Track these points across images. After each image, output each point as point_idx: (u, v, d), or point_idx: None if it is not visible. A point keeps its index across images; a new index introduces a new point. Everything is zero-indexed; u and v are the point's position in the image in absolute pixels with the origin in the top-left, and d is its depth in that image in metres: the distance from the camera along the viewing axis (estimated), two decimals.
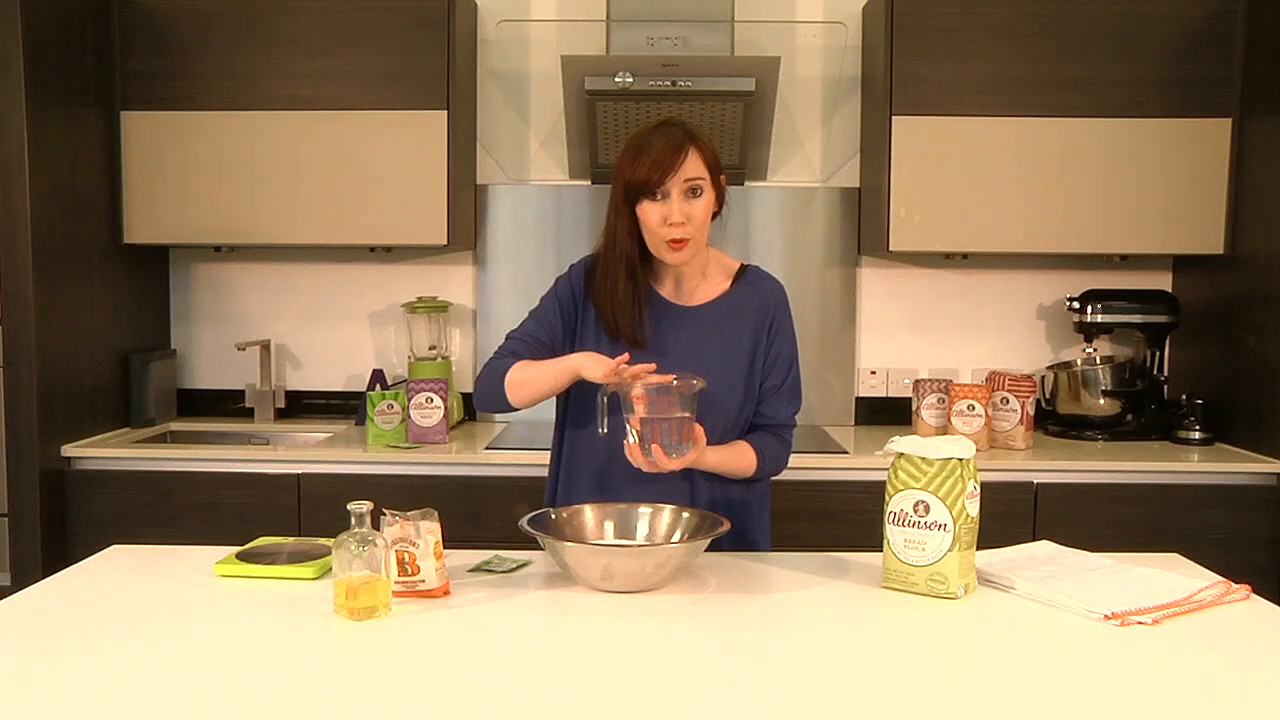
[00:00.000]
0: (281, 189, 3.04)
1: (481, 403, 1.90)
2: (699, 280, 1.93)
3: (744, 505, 1.93)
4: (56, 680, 1.25)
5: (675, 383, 1.68)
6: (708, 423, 1.80)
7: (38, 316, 2.75)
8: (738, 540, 1.90)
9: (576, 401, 1.91)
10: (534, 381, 1.83)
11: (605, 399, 1.74)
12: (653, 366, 1.71)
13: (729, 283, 1.94)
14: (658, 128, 1.83)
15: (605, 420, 1.76)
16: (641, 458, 1.71)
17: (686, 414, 1.70)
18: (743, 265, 1.98)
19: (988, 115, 2.97)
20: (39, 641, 1.39)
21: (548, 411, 1.99)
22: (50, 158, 2.80)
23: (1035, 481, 2.78)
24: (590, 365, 1.76)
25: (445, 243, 3.04)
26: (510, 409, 1.87)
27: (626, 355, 1.74)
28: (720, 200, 1.87)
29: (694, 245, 1.83)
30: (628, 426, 1.72)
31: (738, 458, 1.88)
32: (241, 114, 3.02)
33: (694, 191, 1.80)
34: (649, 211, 1.81)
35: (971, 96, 2.96)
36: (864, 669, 1.32)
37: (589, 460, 1.91)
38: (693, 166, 1.79)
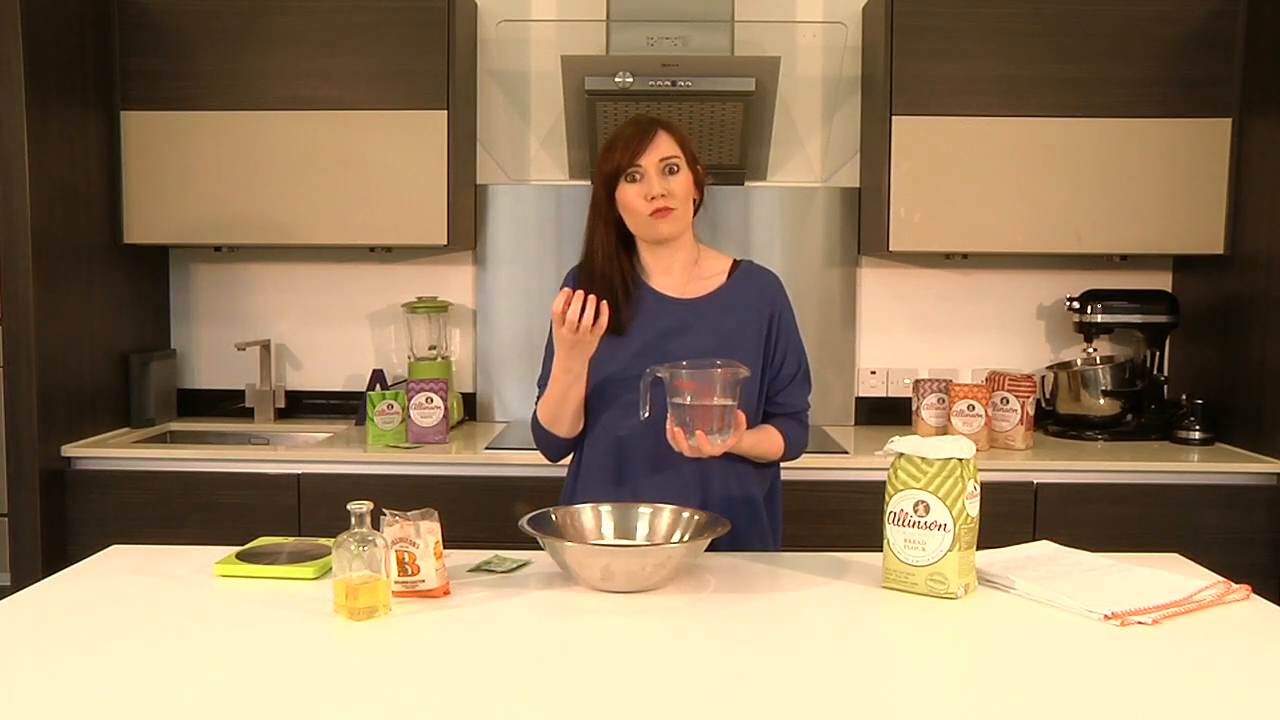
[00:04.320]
0: (281, 189, 3.04)
1: (548, 455, 1.98)
2: (690, 270, 1.94)
3: (754, 503, 1.93)
4: (56, 680, 1.25)
5: (720, 369, 1.70)
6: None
7: (38, 316, 2.75)
8: (748, 539, 1.90)
9: (593, 395, 1.92)
10: (556, 403, 1.88)
11: (649, 384, 1.76)
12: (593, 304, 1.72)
13: (725, 276, 1.96)
14: (627, 121, 1.90)
15: (648, 404, 1.76)
16: (684, 441, 1.73)
17: (730, 401, 1.72)
18: (735, 260, 1.99)
19: (988, 115, 2.97)
20: (39, 641, 1.39)
21: None
22: (50, 157, 2.80)
23: (1035, 481, 2.78)
24: (558, 331, 1.76)
25: (445, 243, 3.04)
26: (570, 439, 1.94)
27: (568, 292, 1.73)
28: (699, 188, 1.90)
29: (679, 218, 1.86)
30: (670, 411, 1.73)
31: (767, 441, 1.92)
32: (242, 114, 3.02)
33: (670, 170, 1.84)
34: (628, 193, 1.84)
35: (971, 96, 2.96)
36: (864, 669, 1.32)
37: (606, 449, 1.91)
38: (665, 145, 1.84)
